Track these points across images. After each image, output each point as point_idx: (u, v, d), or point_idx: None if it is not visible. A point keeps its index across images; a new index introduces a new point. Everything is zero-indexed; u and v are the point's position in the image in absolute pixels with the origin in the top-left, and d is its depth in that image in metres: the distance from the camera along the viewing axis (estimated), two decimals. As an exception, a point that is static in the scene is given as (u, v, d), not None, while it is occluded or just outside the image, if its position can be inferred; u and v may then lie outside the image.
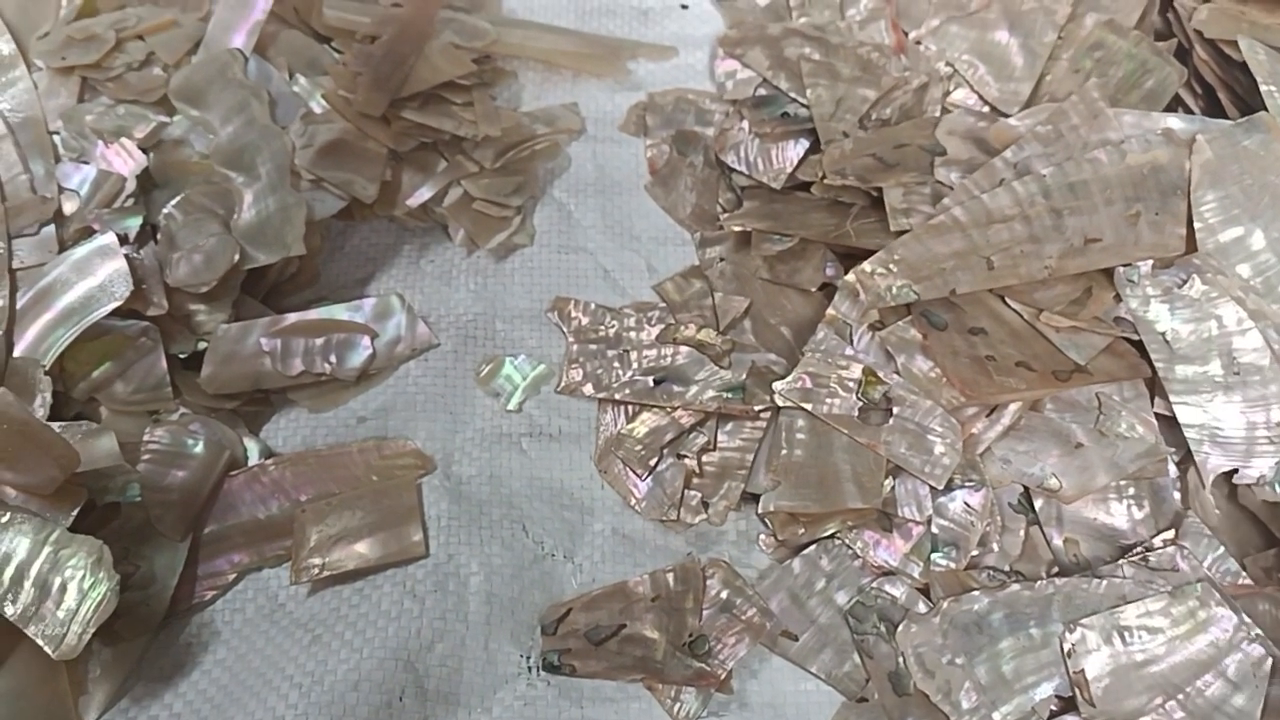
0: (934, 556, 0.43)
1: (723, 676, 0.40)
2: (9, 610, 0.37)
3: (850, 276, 0.47)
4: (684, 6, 0.61)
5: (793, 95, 0.55)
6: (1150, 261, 0.46)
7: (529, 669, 0.41)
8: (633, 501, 0.45)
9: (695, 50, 0.59)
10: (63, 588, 0.38)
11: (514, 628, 0.41)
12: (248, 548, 0.44)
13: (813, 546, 0.44)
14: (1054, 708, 0.40)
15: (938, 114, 0.54)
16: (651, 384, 0.47)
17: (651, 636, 0.42)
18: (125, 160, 0.51)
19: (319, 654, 0.40)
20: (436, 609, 0.41)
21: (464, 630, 0.41)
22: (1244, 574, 0.42)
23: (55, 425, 0.42)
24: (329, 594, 0.42)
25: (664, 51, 0.59)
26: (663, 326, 0.49)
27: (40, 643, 0.37)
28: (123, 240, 0.47)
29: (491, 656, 0.41)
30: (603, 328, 0.49)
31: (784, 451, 0.44)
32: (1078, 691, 0.39)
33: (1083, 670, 0.39)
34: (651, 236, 0.53)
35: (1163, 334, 0.45)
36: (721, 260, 0.51)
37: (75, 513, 0.41)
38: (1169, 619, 0.40)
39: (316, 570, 0.42)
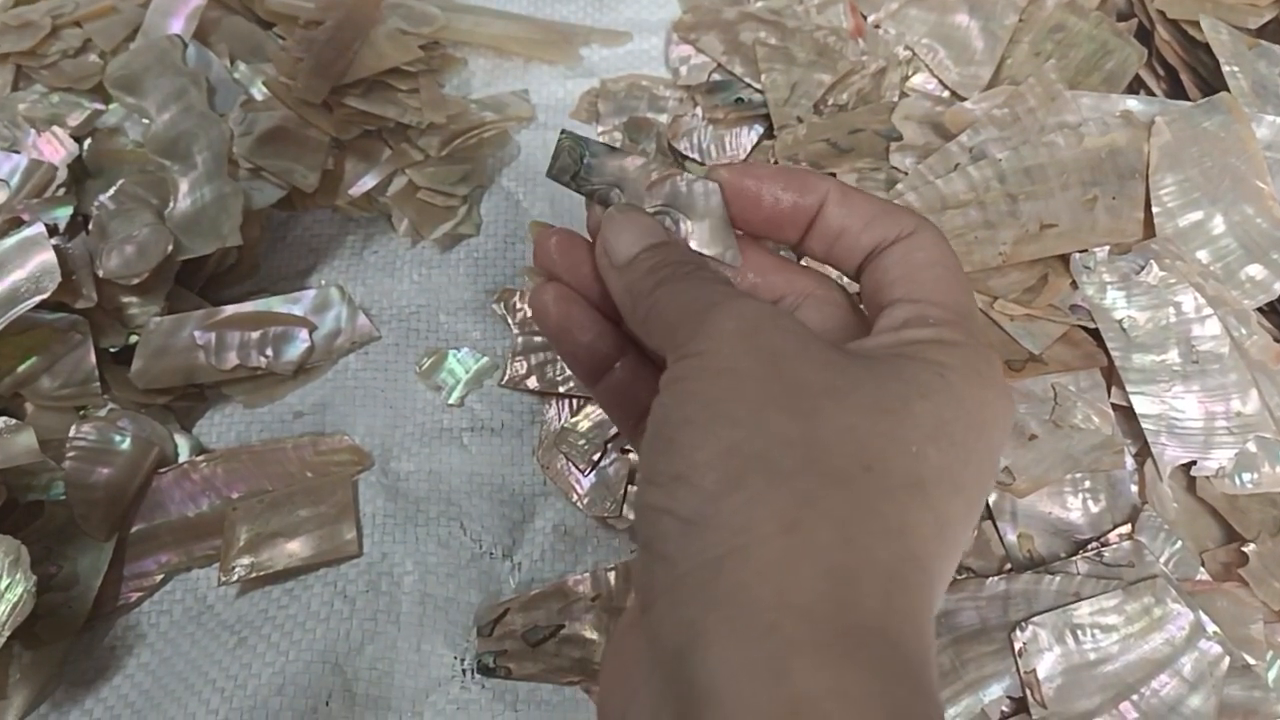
0: (883, 552, 0.41)
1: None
2: (-82, 613, 0.36)
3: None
4: (639, -9, 0.59)
5: (747, 81, 0.53)
6: (1107, 247, 0.45)
7: (463, 671, 0.39)
8: (575, 498, 0.44)
9: (650, 36, 0.57)
10: (-22, 589, 0.37)
11: (448, 629, 0.40)
12: (176, 548, 0.42)
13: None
14: (1005, 709, 0.39)
15: (895, 99, 0.52)
16: (597, 377, 0.46)
17: (591, 638, 0.40)
18: (56, 149, 0.49)
19: (244, 657, 0.39)
20: (368, 610, 0.40)
21: (395, 632, 0.40)
22: (1202, 569, 0.41)
23: (-27, 422, 0.41)
24: (258, 595, 0.41)
25: (617, 37, 0.57)
26: (610, 317, 0.48)
27: (-50, 647, 0.35)
28: (53, 230, 0.46)
29: (424, 659, 0.39)
30: (548, 319, 0.48)
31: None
32: (1029, 692, 0.38)
33: (1034, 670, 0.38)
34: (602, 226, 0.52)
35: (1119, 322, 0.44)
36: (672, 249, 0.49)
37: (-5, 512, 0.40)
38: (1123, 616, 0.39)
39: (245, 570, 0.41)
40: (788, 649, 0.18)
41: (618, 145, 0.54)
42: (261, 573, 0.41)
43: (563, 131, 0.30)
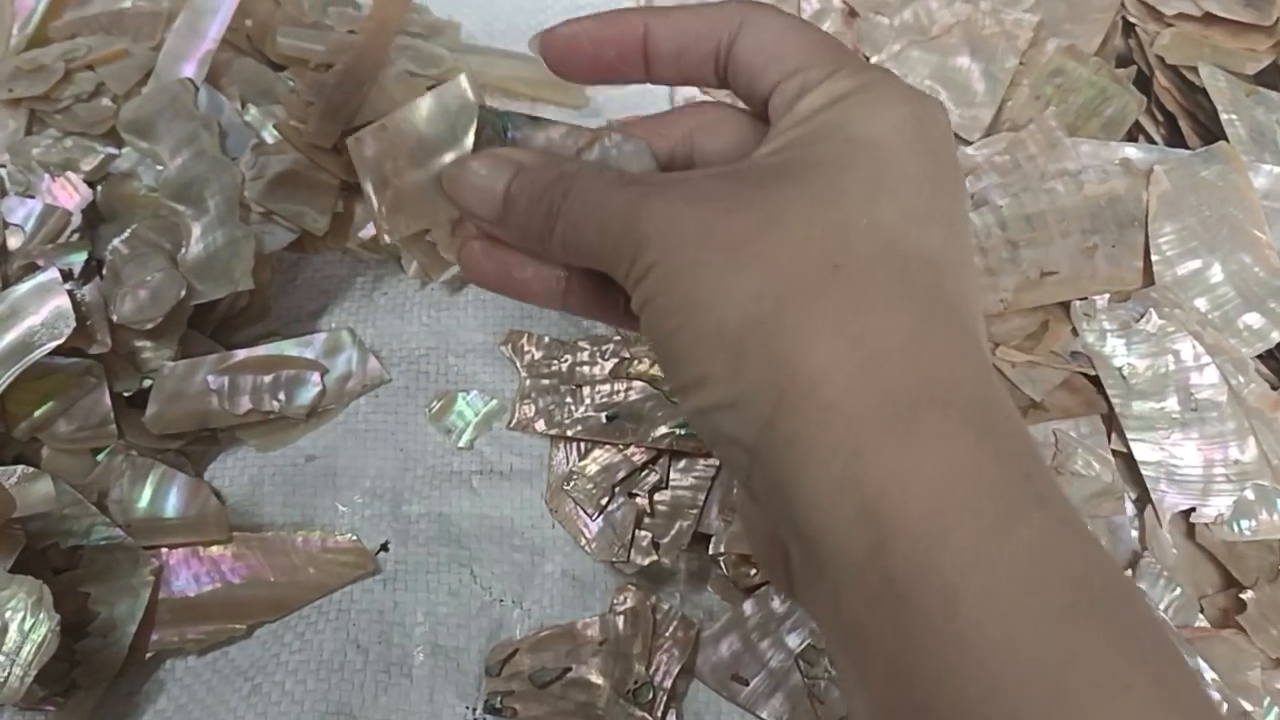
0: (886, 599, 0.42)
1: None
2: (-55, 659, 0.36)
3: (806, 310, 0.46)
4: (644, 31, 0.60)
5: (752, 122, 0.54)
6: (1107, 295, 0.46)
7: (473, 719, 0.40)
8: (583, 541, 0.44)
9: (655, 76, 0.58)
10: (3, 630, 0.38)
11: (459, 679, 0.41)
12: (171, 626, 0.42)
13: (765, 587, 0.43)
14: (1007, 754, 0.39)
15: (898, 141, 0.53)
16: (604, 420, 0.47)
17: (596, 682, 0.41)
18: (71, 194, 0.50)
19: (258, 705, 0.40)
20: (380, 661, 0.40)
21: (409, 684, 0.40)
22: (1201, 616, 0.42)
23: (-10, 470, 0.42)
24: (270, 639, 0.42)
25: (623, 77, 0.58)
26: (616, 361, 0.48)
27: (-21, 688, 0.36)
28: (68, 276, 0.46)
29: (436, 710, 0.40)
30: (556, 362, 0.49)
31: (736, 491, 0.44)
32: (1030, 738, 0.38)
33: (1035, 716, 0.39)
34: (608, 267, 0.52)
35: (1119, 369, 0.44)
36: (678, 292, 0.50)
37: (14, 557, 0.40)
38: (1123, 663, 0.39)
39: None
40: (876, 447, 0.20)
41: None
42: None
43: (481, 106, 0.29)
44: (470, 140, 0.29)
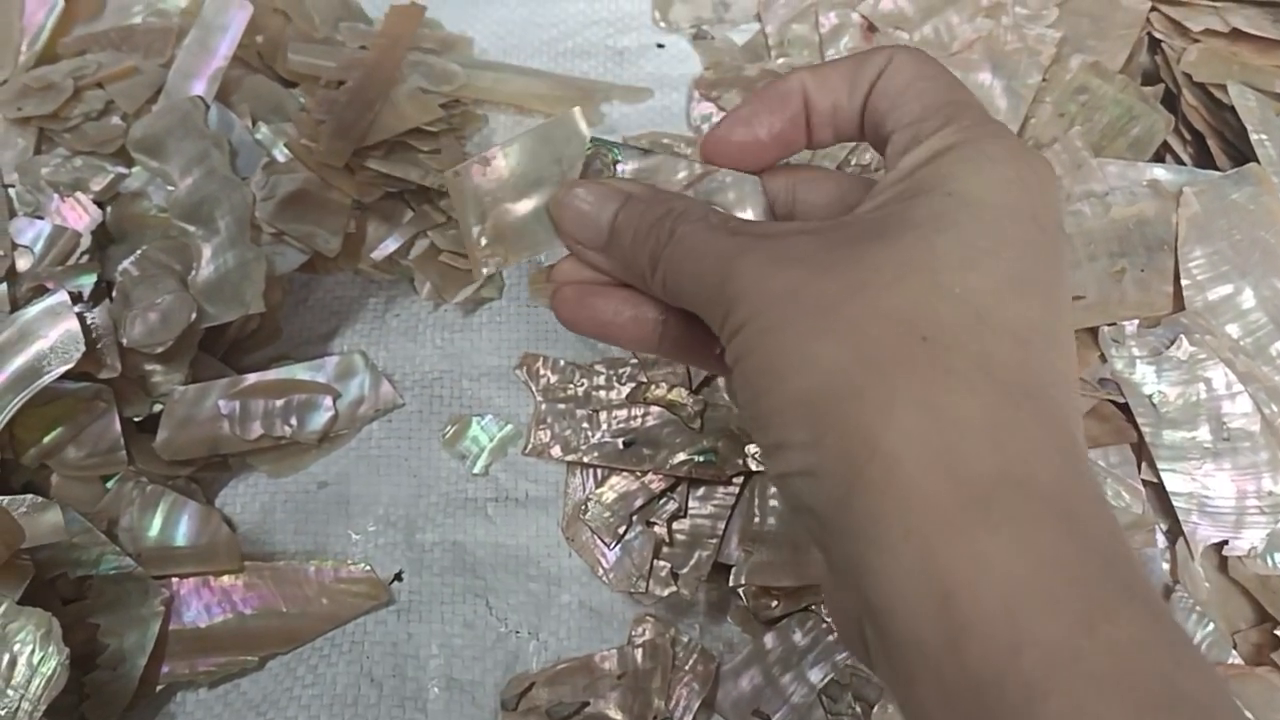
0: (911, 633, 0.41)
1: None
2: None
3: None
4: (660, 46, 0.59)
5: (770, 140, 0.53)
6: (1136, 320, 0.44)
7: (489, 754, 0.39)
8: (600, 571, 0.44)
9: (671, 92, 0.57)
10: (12, 663, 0.37)
11: (475, 714, 0.40)
12: (181, 658, 0.41)
13: (786, 619, 0.42)
14: (1036, 794, 0.38)
15: (919, 159, 0.52)
16: (621, 446, 0.46)
17: (615, 717, 0.40)
18: (80, 215, 0.49)
19: (270, 741, 0.39)
20: (395, 695, 0.40)
21: (423, 719, 0.39)
22: (1235, 652, 0.40)
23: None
24: (283, 672, 0.41)
25: (638, 93, 0.57)
26: (634, 385, 0.47)
27: (-11, 724, 0.35)
28: (77, 298, 0.46)
29: (451, 743, 0.39)
30: (572, 386, 0.48)
31: (756, 520, 0.43)
32: (1060, 778, 0.38)
33: (1065, 755, 0.38)
34: (624, 288, 0.51)
35: (1149, 397, 0.43)
36: (695, 314, 0.49)
37: (23, 588, 0.40)
38: (1155, 701, 0.38)
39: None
40: (952, 532, 0.19)
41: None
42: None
43: (591, 139, 0.29)
44: (578, 172, 0.29)
